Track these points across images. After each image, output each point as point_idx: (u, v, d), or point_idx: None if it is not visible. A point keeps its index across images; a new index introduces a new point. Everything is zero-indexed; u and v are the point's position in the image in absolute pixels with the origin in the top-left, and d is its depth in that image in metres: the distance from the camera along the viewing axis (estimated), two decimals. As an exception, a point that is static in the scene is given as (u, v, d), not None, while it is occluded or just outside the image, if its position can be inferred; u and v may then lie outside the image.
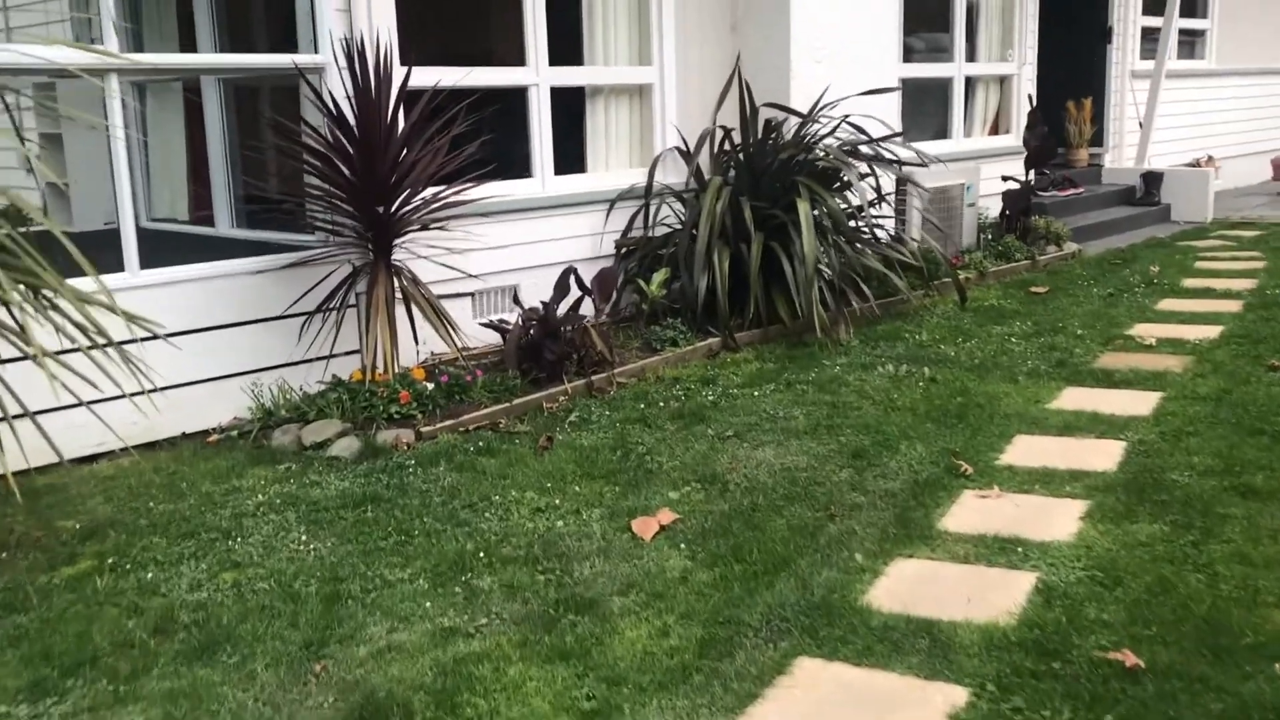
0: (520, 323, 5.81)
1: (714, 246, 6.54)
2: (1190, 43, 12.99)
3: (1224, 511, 3.78)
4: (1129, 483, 4.10)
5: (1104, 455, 4.42)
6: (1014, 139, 10.25)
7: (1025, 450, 4.55)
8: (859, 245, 6.89)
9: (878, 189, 7.21)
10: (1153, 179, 11.20)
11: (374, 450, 4.85)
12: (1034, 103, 9.64)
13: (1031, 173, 9.31)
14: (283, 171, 6.65)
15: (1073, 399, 5.21)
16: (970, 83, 9.86)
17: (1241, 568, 3.35)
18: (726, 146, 7.18)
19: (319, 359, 5.54)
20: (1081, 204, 10.68)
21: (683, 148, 7.29)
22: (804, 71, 7.42)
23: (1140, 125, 11.67)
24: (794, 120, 7.18)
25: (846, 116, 7.10)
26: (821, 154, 6.92)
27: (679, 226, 7.02)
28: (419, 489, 4.39)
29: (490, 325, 5.96)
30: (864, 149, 7.10)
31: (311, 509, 4.21)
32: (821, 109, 7.14)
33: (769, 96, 7.35)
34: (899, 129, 8.39)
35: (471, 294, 6.35)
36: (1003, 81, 10.22)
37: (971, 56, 9.81)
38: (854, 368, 5.91)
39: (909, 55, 9.20)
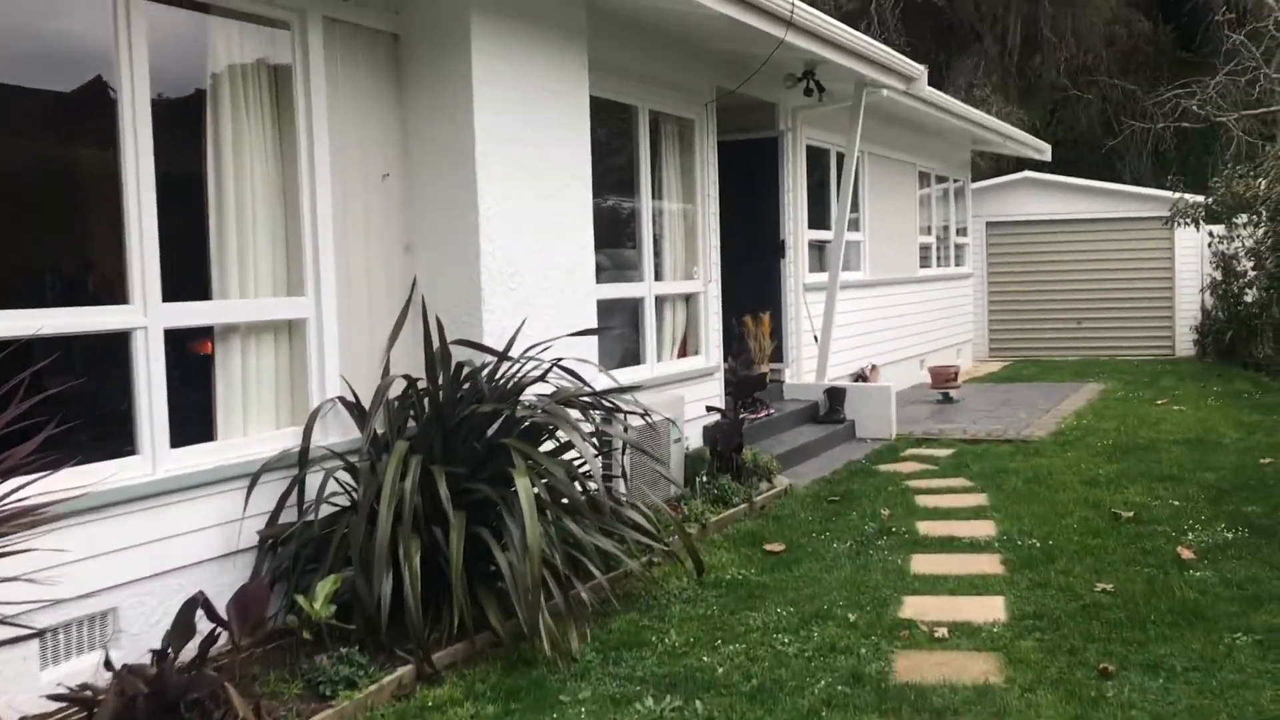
0: (119, 690, 3.86)
1: (401, 535, 4.91)
2: (846, 255, 13.07)
3: None
4: None
5: None
6: (703, 360, 9.44)
7: None
8: (582, 518, 5.50)
9: (596, 444, 5.93)
10: (836, 395, 10.79)
11: None
12: (737, 327, 8.87)
13: (729, 399, 8.47)
14: None
15: (901, 747, 3.99)
16: (659, 302, 8.99)
17: None
18: (412, 396, 5.66)
19: None
20: (774, 426, 9.99)
21: (351, 399, 5.68)
22: (498, 303, 6.09)
23: (816, 339, 11.34)
24: (491, 360, 5.80)
25: (559, 360, 5.81)
26: (530, 407, 5.55)
27: (350, 505, 5.35)
28: None
29: (68, 697, 3.95)
30: (582, 396, 5.83)
31: None
32: (528, 350, 5.82)
33: (458, 331, 5.96)
34: (596, 361, 7.27)
35: (41, 632, 4.30)
36: (689, 300, 9.45)
37: (659, 274, 8.97)
38: (602, 705, 4.42)
39: (598, 274, 8.17)
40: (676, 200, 9.26)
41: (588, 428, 5.81)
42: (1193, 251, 17.80)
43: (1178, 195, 16.30)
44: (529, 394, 5.73)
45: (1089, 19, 23.15)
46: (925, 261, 15.80)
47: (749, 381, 8.01)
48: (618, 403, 5.98)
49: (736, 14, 7.23)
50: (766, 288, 11.20)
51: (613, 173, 8.53)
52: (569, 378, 5.85)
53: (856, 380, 12.66)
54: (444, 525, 5.02)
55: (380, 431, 5.61)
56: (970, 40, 24.95)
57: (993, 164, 22.10)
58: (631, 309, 8.65)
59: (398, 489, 4.97)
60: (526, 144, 6.32)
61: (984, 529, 6.99)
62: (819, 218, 11.90)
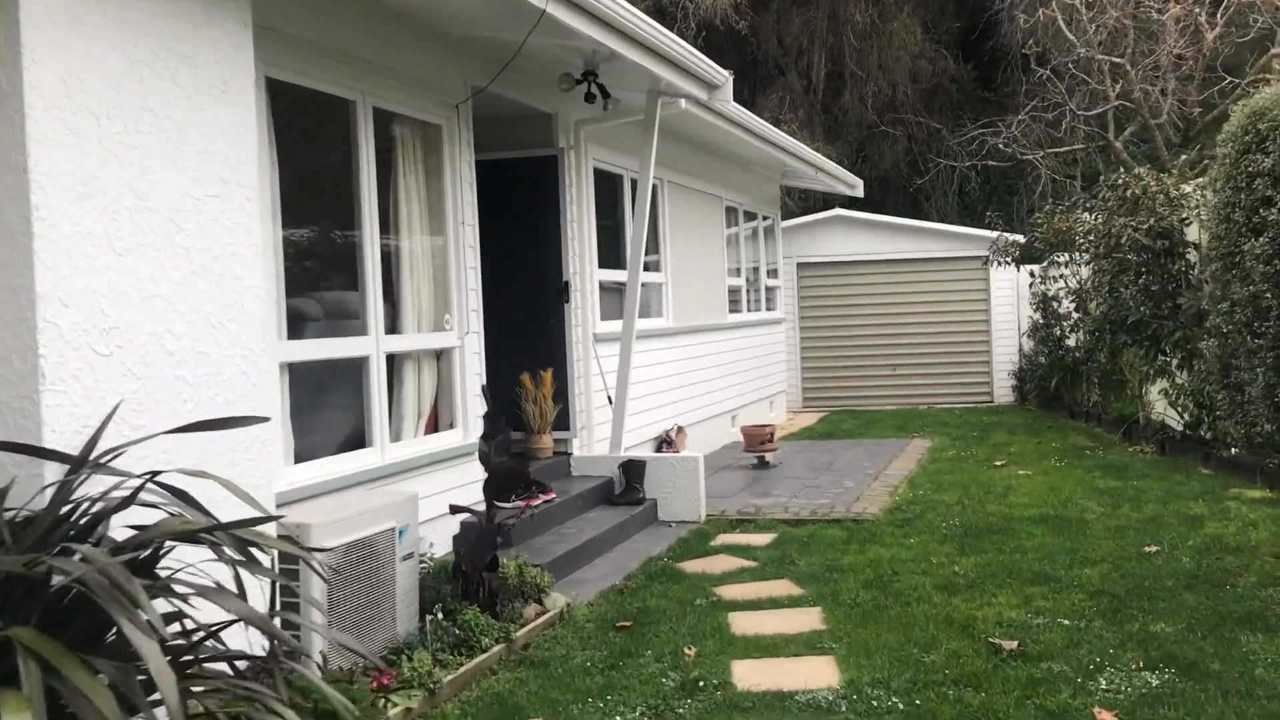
0: None
1: None
2: (645, 300, 11.21)
3: None
4: None
5: None
6: (460, 435, 7.33)
7: None
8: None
9: (242, 593, 3.71)
10: (634, 470, 8.83)
11: None
12: (489, 398, 6.76)
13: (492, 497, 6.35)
14: None
15: None
16: (396, 362, 6.83)
17: None
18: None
19: None
20: (556, 514, 7.94)
21: None
22: (75, 376, 3.83)
23: (610, 400, 9.38)
24: (55, 474, 3.54)
25: (154, 474, 3.54)
26: (85, 567, 3.29)
27: None
28: None
29: None
30: (204, 530, 3.60)
31: None
32: (118, 450, 3.56)
33: (6, 423, 3.68)
34: (273, 453, 5.11)
35: None
36: (440, 357, 7.33)
37: (395, 325, 6.82)
38: None
39: (299, 327, 5.97)
40: (420, 230, 7.15)
41: (220, 577, 3.57)
42: (1009, 293, 16.82)
43: (997, 233, 15.26)
44: (123, 527, 3.49)
45: (894, 52, 22.35)
46: (735, 306, 14.14)
47: (509, 473, 5.92)
48: (269, 532, 3.79)
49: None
50: (547, 340, 9.20)
51: (323, 189, 6.36)
52: (178, 500, 3.61)
53: (660, 446, 10.79)
54: (-103, 793, 2.73)
55: None
56: (775, 75, 23.87)
57: (800, 202, 20.92)
58: (354, 373, 6.46)
59: None
60: (135, 130, 4.09)
61: (823, 673, 5.07)
62: (613, 256, 10.01)
